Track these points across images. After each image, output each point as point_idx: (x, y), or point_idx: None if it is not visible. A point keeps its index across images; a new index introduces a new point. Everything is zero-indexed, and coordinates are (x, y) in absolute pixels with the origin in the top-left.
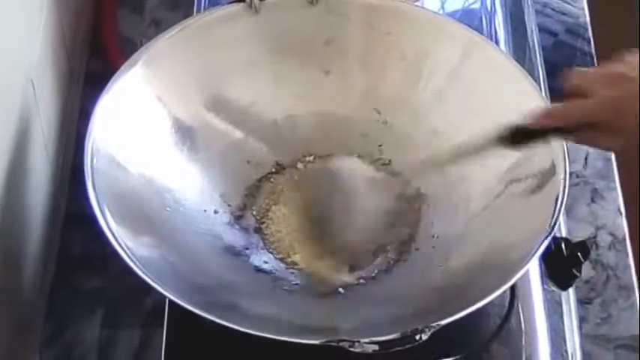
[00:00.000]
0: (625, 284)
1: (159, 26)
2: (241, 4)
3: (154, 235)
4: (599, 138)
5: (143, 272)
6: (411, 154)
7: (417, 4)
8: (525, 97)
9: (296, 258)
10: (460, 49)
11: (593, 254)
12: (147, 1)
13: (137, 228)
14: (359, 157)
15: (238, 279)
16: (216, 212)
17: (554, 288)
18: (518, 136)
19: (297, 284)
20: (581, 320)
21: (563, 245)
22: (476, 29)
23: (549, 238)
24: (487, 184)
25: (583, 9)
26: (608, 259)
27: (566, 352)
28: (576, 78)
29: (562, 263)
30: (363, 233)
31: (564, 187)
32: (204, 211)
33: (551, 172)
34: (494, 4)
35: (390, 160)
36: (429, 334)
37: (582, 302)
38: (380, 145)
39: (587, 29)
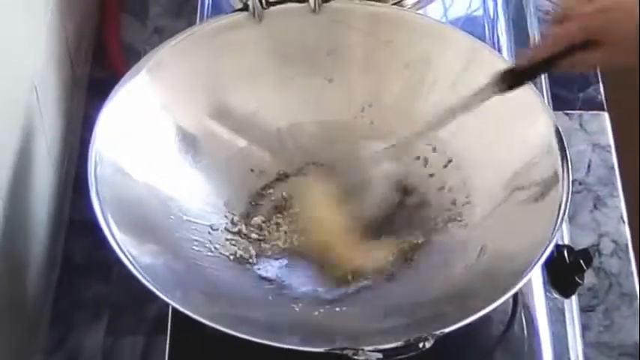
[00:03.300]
0: (628, 292)
1: (162, 34)
2: (244, 13)
3: (157, 242)
4: (589, 57)
5: (147, 280)
6: (412, 161)
7: (420, 12)
8: (528, 105)
9: (298, 266)
10: (463, 56)
11: (595, 262)
12: (150, 9)
13: (141, 236)
14: (361, 165)
15: (241, 287)
16: (219, 220)
17: (556, 295)
18: (512, 78)
19: (301, 292)
20: (584, 328)
21: (565, 253)
22: (478, 37)
23: (552, 245)
24: (490, 192)
25: None
26: (610, 267)
27: (569, 359)
28: (556, 13)
29: (565, 271)
30: (366, 242)
31: (567, 194)
32: (208, 219)
33: (554, 179)
34: (496, 11)
35: (392, 168)
36: (432, 341)
37: (585, 310)
38: (382, 153)
39: None
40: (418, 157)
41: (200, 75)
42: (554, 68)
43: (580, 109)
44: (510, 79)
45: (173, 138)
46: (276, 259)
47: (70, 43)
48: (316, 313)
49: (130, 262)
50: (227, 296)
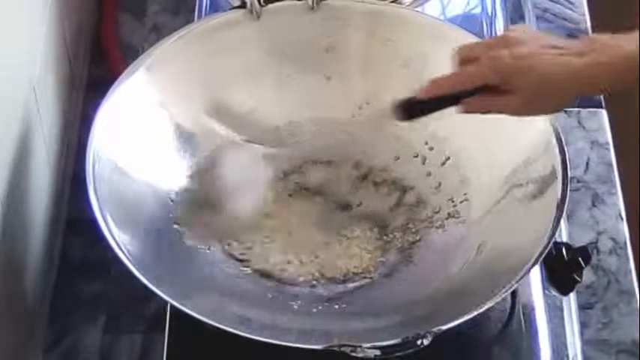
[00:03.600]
0: (626, 289)
1: (160, 32)
2: (242, 10)
3: (155, 240)
4: (489, 101)
5: (145, 278)
6: (410, 160)
7: (418, 9)
8: None
9: (297, 263)
10: None
11: (594, 259)
12: (148, 7)
13: (139, 233)
14: (359, 163)
15: (240, 285)
16: None
17: (555, 293)
18: (411, 109)
19: (299, 290)
20: (583, 325)
21: (564, 250)
22: (477, 35)
23: (550, 243)
24: (488, 190)
25: (584, 14)
26: (609, 264)
27: (568, 357)
28: (463, 50)
29: (563, 268)
30: (364, 239)
31: (565, 192)
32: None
33: (552, 177)
34: (495, 9)
35: (390, 166)
36: (430, 339)
37: (583, 307)
38: (380, 151)
39: (588, 35)
40: (416, 155)
41: (198, 73)
42: (455, 105)
43: (578, 107)
44: (409, 110)
45: (171, 136)
46: (276, 257)
47: (69, 42)
48: (314, 310)
49: (129, 260)
50: (225, 294)
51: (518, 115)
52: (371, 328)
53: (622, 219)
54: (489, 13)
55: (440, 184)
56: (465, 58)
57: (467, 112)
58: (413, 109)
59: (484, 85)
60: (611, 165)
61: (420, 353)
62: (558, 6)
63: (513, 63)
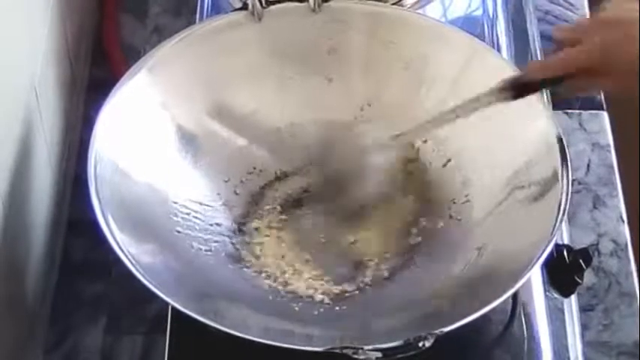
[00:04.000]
0: (627, 291)
1: (162, 33)
2: (244, 12)
3: (157, 242)
4: (593, 84)
5: (146, 279)
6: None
7: (419, 11)
8: (527, 104)
9: (298, 265)
10: (462, 56)
11: (595, 261)
12: (150, 9)
13: (140, 235)
14: (361, 164)
15: (241, 286)
16: (218, 219)
17: (556, 295)
18: (514, 89)
19: (300, 291)
20: (584, 327)
21: (565, 252)
22: (478, 37)
23: (551, 245)
24: (489, 191)
25: (585, 16)
26: (610, 266)
27: (569, 359)
28: (567, 29)
29: (564, 270)
30: (365, 241)
31: (566, 194)
32: (207, 218)
33: (554, 179)
34: (496, 11)
35: (391, 168)
36: (432, 341)
37: (584, 309)
38: (382, 153)
39: None
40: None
41: (200, 74)
42: (561, 86)
43: (580, 109)
44: (517, 89)
45: (173, 137)
46: (277, 258)
47: (70, 44)
48: (316, 312)
49: (130, 261)
50: (227, 296)
51: (624, 94)
52: (372, 330)
53: (623, 221)
54: (490, 15)
55: (441, 185)
56: (566, 40)
57: (571, 92)
58: (520, 89)
59: (587, 67)
60: (612, 167)
61: (421, 355)
62: (559, 8)
63: (610, 47)
